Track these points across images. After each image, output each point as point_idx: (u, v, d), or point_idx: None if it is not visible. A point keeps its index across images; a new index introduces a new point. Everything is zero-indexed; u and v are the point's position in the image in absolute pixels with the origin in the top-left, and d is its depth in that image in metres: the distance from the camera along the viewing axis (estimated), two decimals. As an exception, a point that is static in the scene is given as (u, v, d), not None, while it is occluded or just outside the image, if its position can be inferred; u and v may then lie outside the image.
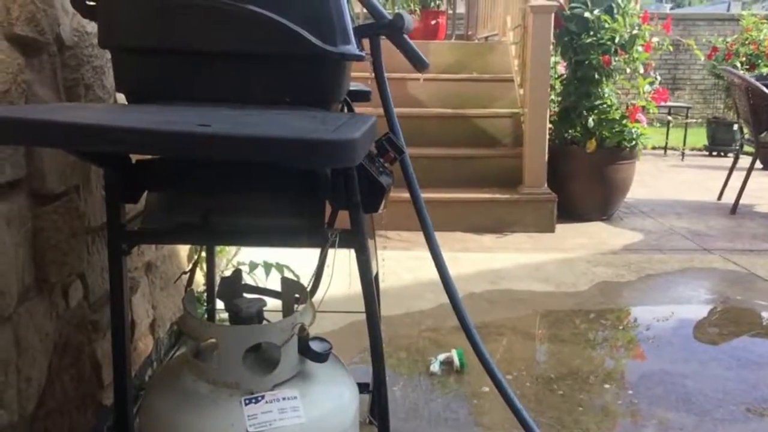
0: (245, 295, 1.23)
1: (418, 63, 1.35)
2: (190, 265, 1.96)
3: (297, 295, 1.25)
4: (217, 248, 2.75)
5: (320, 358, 1.10)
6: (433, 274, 1.62)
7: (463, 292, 3.00)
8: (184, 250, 2.29)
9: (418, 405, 2.10)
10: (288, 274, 2.35)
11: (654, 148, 7.46)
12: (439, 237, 1.59)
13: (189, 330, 1.11)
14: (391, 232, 3.80)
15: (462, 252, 3.67)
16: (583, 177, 4.34)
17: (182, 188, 1.22)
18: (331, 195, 1.17)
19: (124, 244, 1.16)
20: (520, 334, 2.67)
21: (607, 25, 4.18)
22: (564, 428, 1.99)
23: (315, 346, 1.11)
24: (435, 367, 2.27)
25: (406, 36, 1.33)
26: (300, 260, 1.51)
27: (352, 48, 1.13)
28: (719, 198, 5.05)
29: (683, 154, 7.68)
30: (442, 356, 2.32)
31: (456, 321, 1.61)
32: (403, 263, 3.26)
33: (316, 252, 1.27)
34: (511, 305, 2.94)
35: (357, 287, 1.19)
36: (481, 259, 3.54)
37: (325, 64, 1.14)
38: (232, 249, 3.17)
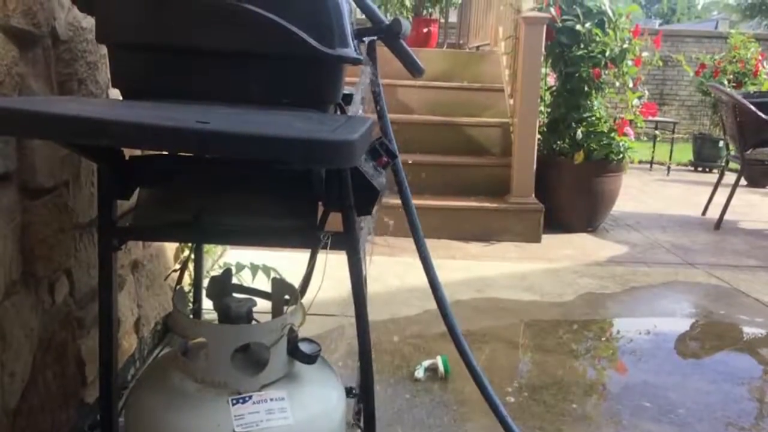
0: (235, 295, 1.22)
1: (414, 68, 1.35)
2: (179, 264, 1.95)
3: (287, 297, 1.24)
4: (205, 248, 2.74)
5: (309, 359, 1.10)
6: (420, 280, 1.63)
7: (450, 300, 2.99)
8: (171, 249, 2.28)
9: (402, 410, 2.10)
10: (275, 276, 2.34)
11: (640, 162, 7.53)
12: (426, 244, 1.59)
13: (178, 328, 1.11)
14: (378, 238, 3.79)
15: (448, 259, 3.67)
16: (570, 188, 4.37)
17: (175, 186, 1.21)
18: (324, 197, 1.17)
19: (115, 240, 1.16)
20: (505, 343, 2.67)
21: (598, 39, 4.21)
22: (547, 437, 2.00)
23: (304, 347, 1.11)
24: (419, 374, 2.27)
25: (402, 41, 1.33)
26: (286, 263, 1.51)
27: (350, 51, 1.14)
28: (704, 213, 5.10)
29: (669, 169, 7.74)
30: (426, 362, 2.32)
31: (441, 327, 1.62)
32: (389, 269, 3.25)
33: (302, 255, 1.27)
34: (497, 314, 2.95)
35: (343, 290, 1.19)
36: (468, 267, 3.55)
37: (323, 66, 1.14)
38: (218, 249, 3.16)
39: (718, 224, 4.70)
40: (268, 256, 2.68)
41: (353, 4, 1.24)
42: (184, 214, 1.18)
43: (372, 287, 3.07)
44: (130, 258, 1.95)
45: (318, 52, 1.10)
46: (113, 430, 1.16)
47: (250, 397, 1.06)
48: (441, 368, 2.28)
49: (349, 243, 1.17)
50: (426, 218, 3.93)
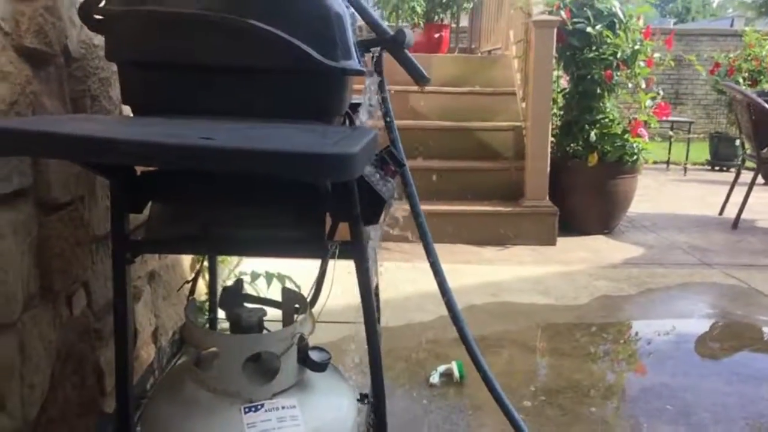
0: (246, 304, 1.24)
1: (419, 77, 1.37)
2: (193, 275, 1.98)
3: (297, 306, 1.26)
4: (219, 258, 2.77)
5: (319, 367, 1.12)
6: (434, 286, 1.64)
7: (464, 304, 3.01)
8: (186, 260, 2.31)
9: (417, 416, 2.11)
10: (289, 285, 2.36)
11: (655, 162, 7.47)
12: (440, 249, 1.60)
13: (190, 338, 1.13)
14: (392, 244, 3.81)
15: (463, 264, 3.68)
16: (584, 191, 4.36)
17: (185, 199, 1.23)
18: (331, 207, 1.19)
19: (128, 253, 1.18)
20: (520, 347, 2.67)
21: (609, 40, 4.21)
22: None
23: (314, 355, 1.12)
24: (435, 379, 2.28)
25: (407, 51, 1.35)
26: (300, 271, 1.53)
27: (354, 63, 1.16)
28: (721, 213, 5.06)
29: (685, 169, 7.69)
30: (441, 368, 2.33)
31: (456, 333, 1.63)
32: (403, 275, 3.27)
33: (316, 263, 1.29)
34: (512, 318, 2.96)
35: (356, 297, 1.21)
36: (482, 272, 3.56)
37: (327, 79, 1.16)
38: (234, 259, 3.19)
39: (735, 223, 4.67)
40: (283, 265, 2.70)
41: (357, 16, 1.26)
42: (194, 226, 1.21)
43: (387, 293, 3.08)
44: (146, 269, 1.99)
45: (321, 65, 1.12)
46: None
47: (262, 406, 1.08)
48: (456, 373, 2.29)
49: (356, 252, 1.18)
50: (440, 223, 3.98)
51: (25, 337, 1.29)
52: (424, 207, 1.53)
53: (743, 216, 4.71)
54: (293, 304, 1.26)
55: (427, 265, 1.54)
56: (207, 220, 1.21)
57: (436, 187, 4.16)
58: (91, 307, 1.60)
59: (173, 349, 2.26)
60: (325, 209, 1.20)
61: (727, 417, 2.13)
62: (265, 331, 1.18)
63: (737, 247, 4.26)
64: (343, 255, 1.20)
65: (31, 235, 1.31)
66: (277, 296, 1.35)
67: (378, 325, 1.98)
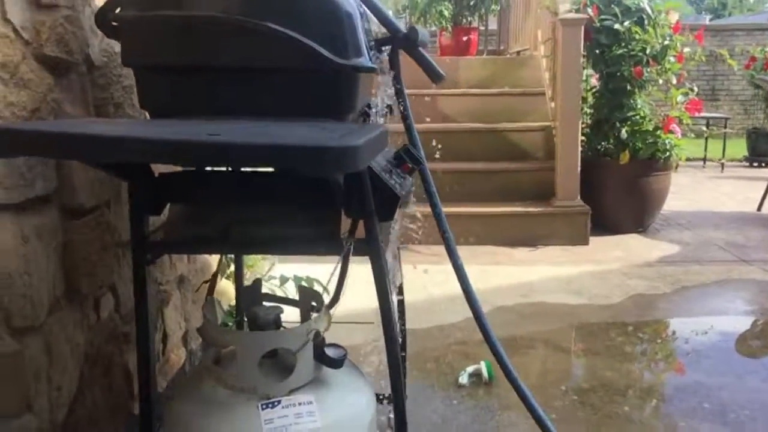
0: (264, 303, 1.25)
1: (434, 75, 1.37)
2: (218, 276, 2.00)
3: (314, 304, 1.27)
4: (248, 262, 2.80)
5: (335, 363, 1.12)
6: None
7: (494, 306, 2.99)
8: (215, 262, 2.33)
9: (446, 417, 2.10)
10: (317, 288, 2.37)
11: (690, 159, 7.33)
12: (471, 250, 1.60)
13: (208, 337, 1.14)
14: (421, 246, 3.80)
15: (493, 265, 3.65)
16: (617, 189, 4.30)
17: (203, 200, 1.25)
18: (345, 204, 1.19)
19: (148, 254, 1.20)
20: (552, 347, 2.65)
21: (638, 37, 4.15)
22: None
23: (330, 352, 1.13)
24: (464, 379, 2.27)
25: (421, 49, 1.35)
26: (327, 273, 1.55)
27: (365, 60, 1.16)
28: (759, 209, 4.94)
29: (722, 166, 7.53)
30: (470, 368, 2.31)
31: (484, 334, 1.61)
32: (432, 277, 3.25)
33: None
34: (543, 318, 2.93)
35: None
36: (513, 273, 3.53)
37: (339, 77, 1.17)
38: (266, 264, 3.22)
39: (775, 219, 4.56)
40: (315, 269, 2.71)
41: (369, 14, 1.27)
42: (213, 226, 1.22)
43: (415, 295, 3.08)
44: (175, 273, 2.02)
45: (333, 63, 1.13)
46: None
47: (279, 402, 1.09)
48: (485, 373, 2.27)
49: (371, 249, 1.18)
50: (470, 225, 3.96)
51: (52, 339, 1.31)
52: (454, 209, 1.52)
53: (782, 211, 4.60)
54: (310, 302, 1.27)
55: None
56: (225, 220, 1.22)
57: (466, 189, 4.14)
58: (118, 311, 1.63)
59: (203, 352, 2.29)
60: (339, 207, 1.20)
61: (764, 415, 2.08)
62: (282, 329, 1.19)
63: (776, 243, 4.16)
64: (359, 252, 1.21)
65: (56, 240, 1.34)
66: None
67: (398, 324, 1.98)
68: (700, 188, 6.25)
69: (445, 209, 1.46)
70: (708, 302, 3.21)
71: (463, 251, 1.50)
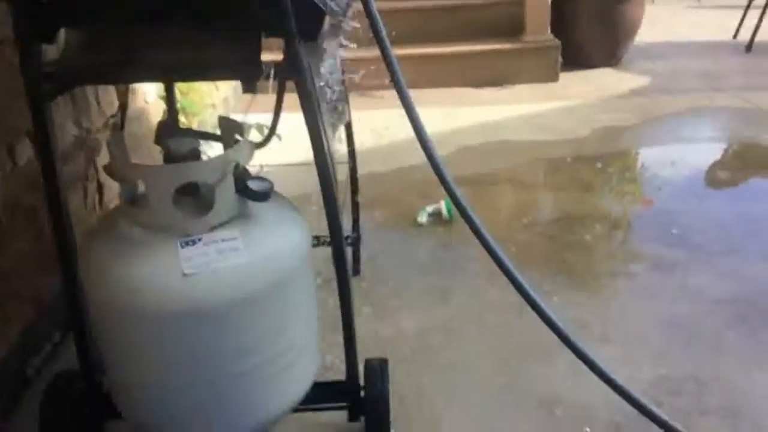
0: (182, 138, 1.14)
1: None
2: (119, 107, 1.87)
3: (237, 137, 1.16)
4: (190, 109, 2.63)
5: (259, 196, 1.03)
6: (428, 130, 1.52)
7: (459, 146, 2.90)
8: (154, 108, 2.19)
9: (406, 255, 2.07)
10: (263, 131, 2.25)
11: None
12: (436, 93, 1.47)
13: (116, 174, 1.04)
14: (385, 91, 3.65)
15: (459, 107, 3.49)
16: (588, 20, 4.09)
17: (102, 23, 1.10)
18: (264, 23, 1.05)
19: (47, 87, 1.07)
20: (516, 183, 2.59)
21: None
22: (549, 267, 1.94)
23: (253, 185, 1.03)
24: (422, 218, 2.22)
25: None
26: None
27: None
28: (735, 36, 4.76)
29: (700, -6, 7.22)
30: (430, 208, 2.26)
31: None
32: (390, 121, 3.11)
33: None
34: (508, 155, 2.84)
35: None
36: (479, 113, 3.40)
37: None
38: (211, 112, 3.04)
39: (749, 46, 4.40)
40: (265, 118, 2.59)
41: None
42: (116, 53, 1.08)
43: (376, 141, 2.98)
44: (104, 119, 1.87)
45: None
46: (76, 288, 1.12)
47: (200, 239, 1.00)
48: (445, 212, 2.22)
49: (294, 71, 1.06)
50: (434, 66, 3.78)
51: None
52: (417, 50, 1.37)
53: (758, 38, 4.42)
54: (233, 135, 1.15)
55: (423, 111, 1.39)
56: (129, 44, 1.08)
57: (428, 28, 3.92)
58: (40, 160, 1.51)
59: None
60: (258, 26, 1.06)
61: (723, 236, 2.07)
62: (199, 163, 1.08)
63: (750, 69, 4.05)
64: (285, 76, 1.09)
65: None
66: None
67: (349, 164, 1.88)
68: (675, 19, 6.00)
69: (407, 50, 1.33)
70: (678, 131, 3.14)
71: (427, 94, 1.39)
